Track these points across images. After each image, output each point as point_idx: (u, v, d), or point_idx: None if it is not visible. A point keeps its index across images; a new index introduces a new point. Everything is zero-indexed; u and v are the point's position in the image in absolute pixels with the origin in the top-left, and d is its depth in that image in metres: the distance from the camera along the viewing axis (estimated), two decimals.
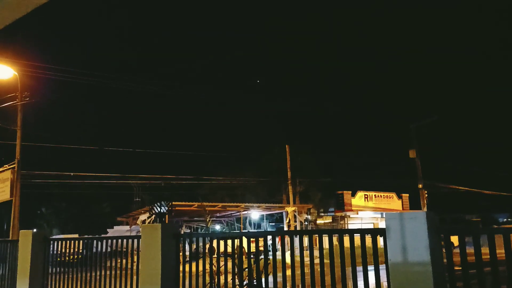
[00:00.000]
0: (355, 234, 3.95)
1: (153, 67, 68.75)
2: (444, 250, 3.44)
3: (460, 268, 3.28)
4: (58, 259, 7.29)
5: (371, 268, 3.69)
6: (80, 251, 6.87)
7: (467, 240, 3.36)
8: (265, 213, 34.70)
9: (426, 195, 29.10)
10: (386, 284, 3.55)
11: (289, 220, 29.40)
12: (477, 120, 68.35)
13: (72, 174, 24.35)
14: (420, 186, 29.06)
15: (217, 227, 40.80)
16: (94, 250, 6.67)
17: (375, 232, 3.76)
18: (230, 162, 40.70)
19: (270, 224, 42.74)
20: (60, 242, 7.30)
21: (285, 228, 30.81)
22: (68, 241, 7.11)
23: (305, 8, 72.30)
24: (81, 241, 7.05)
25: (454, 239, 3.49)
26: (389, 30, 72.15)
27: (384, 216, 3.98)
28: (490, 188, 37.98)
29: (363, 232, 3.86)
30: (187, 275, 5.09)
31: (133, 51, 75.07)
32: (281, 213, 32.48)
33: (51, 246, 7.38)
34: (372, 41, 72.26)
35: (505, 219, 50.74)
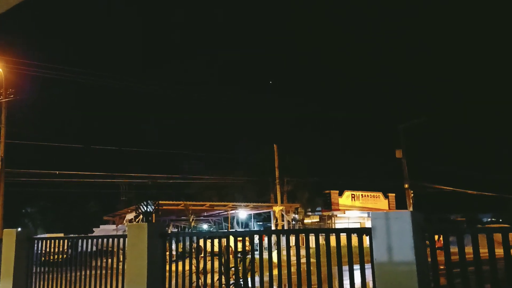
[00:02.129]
0: (341, 234, 3.97)
1: (144, 66, 68.30)
2: (428, 250, 3.47)
3: (444, 267, 3.32)
4: (43, 258, 7.20)
5: (357, 267, 3.71)
6: (65, 250, 6.79)
7: (451, 239, 3.40)
8: (252, 212, 34.70)
9: (412, 195, 29.38)
10: (372, 283, 3.58)
11: (277, 219, 29.44)
12: (462, 121, 69.23)
13: (57, 172, 24.05)
14: (406, 186, 29.33)
15: (205, 226, 40.68)
16: (80, 249, 6.60)
17: (361, 231, 3.79)
18: (219, 161, 40.65)
19: (258, 223, 42.74)
20: (44, 241, 7.21)
21: (273, 228, 30.85)
22: (52, 241, 7.03)
23: (297, 8, 72.48)
24: (66, 241, 6.97)
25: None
26: (381, 30, 72.69)
27: (370, 215, 4.02)
28: (475, 188, 38.49)
29: (349, 231, 3.88)
30: (173, 274, 5.06)
31: (124, 48, 74.46)
32: (269, 212, 32.51)
33: (36, 245, 7.29)
34: (364, 40, 72.74)
35: (489, 219, 51.47)
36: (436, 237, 3.49)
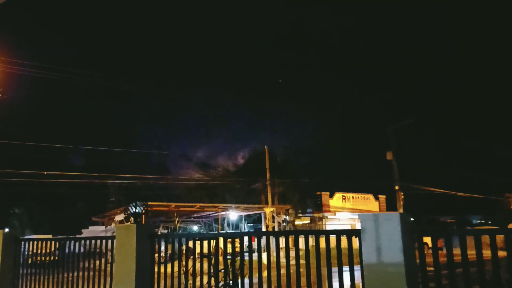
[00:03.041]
0: (331, 235, 3.96)
1: (133, 65, 67.96)
2: (417, 251, 3.48)
3: (433, 268, 3.33)
4: (30, 260, 7.11)
5: (346, 269, 3.71)
6: (53, 252, 6.71)
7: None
8: (243, 213, 34.67)
9: (403, 197, 29.55)
10: (361, 285, 3.58)
11: (268, 220, 29.45)
12: (452, 123, 69.86)
13: (45, 173, 23.81)
14: (397, 187, 29.50)
15: (195, 227, 40.56)
16: (67, 251, 6.52)
17: (350, 233, 3.79)
18: (210, 162, 40.55)
19: (249, 224, 42.71)
20: (32, 242, 7.12)
21: (263, 229, 30.84)
22: (40, 242, 6.95)
23: (280, 8, 72.69)
24: (53, 242, 6.88)
25: (429, 240, 3.54)
26: (372, 29, 73.14)
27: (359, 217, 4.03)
28: (465, 190, 38.84)
29: (338, 233, 3.88)
30: (162, 276, 5.02)
31: (116, 47, 74.03)
32: (260, 213, 32.50)
33: (23, 246, 7.19)
34: (352, 39, 73.14)
35: (479, 221, 51.99)
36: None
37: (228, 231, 32.77)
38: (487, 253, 3.09)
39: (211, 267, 4.63)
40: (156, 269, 5.13)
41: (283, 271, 4.11)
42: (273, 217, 29.72)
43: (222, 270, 4.63)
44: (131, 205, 24.16)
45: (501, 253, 3.09)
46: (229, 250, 4.46)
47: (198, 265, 4.69)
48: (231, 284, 4.49)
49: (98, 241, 6.00)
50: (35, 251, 6.96)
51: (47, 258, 6.66)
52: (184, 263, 4.75)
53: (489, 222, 48.22)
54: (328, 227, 34.23)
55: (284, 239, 4.35)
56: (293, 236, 4.55)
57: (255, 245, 4.34)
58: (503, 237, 3.15)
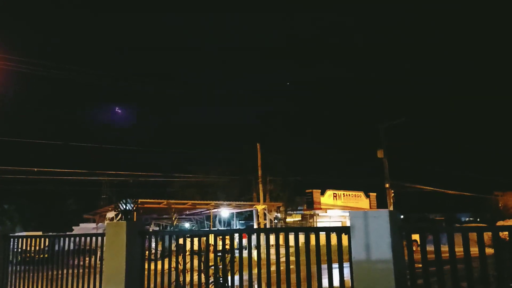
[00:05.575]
0: (320, 232, 3.98)
1: (128, 61, 67.54)
2: (405, 248, 3.51)
3: (421, 265, 3.36)
4: (19, 257, 7.06)
5: (336, 266, 3.73)
6: (43, 249, 6.67)
7: (430, 238, 3.45)
8: (235, 211, 34.67)
9: (393, 194, 29.73)
10: (350, 282, 3.60)
11: (259, 218, 29.48)
12: (443, 122, 70.33)
13: (36, 169, 23.59)
14: (387, 185, 29.66)
15: (187, 225, 40.49)
16: (57, 248, 6.48)
17: (340, 230, 3.81)
18: (202, 159, 40.52)
19: (240, 222, 42.74)
20: (21, 239, 7.07)
21: (255, 226, 30.88)
22: (30, 239, 6.90)
23: (276, 10, 72.58)
24: (43, 239, 6.84)
25: (418, 238, 3.57)
26: (362, 28, 73.32)
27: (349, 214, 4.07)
28: (454, 188, 39.15)
29: (328, 230, 3.90)
30: (152, 273, 5.01)
31: (112, 44, 73.48)
32: (251, 211, 32.51)
33: (12, 243, 7.14)
34: (346, 38, 73.29)
35: (467, 218, 52.50)
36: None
37: (220, 228, 32.79)
38: (474, 250, 3.13)
39: (201, 264, 4.63)
40: (146, 266, 5.11)
41: (273, 268, 4.13)
42: (264, 214, 29.75)
43: (213, 267, 4.64)
44: (121, 202, 24.02)
45: (489, 250, 3.13)
46: (220, 247, 4.46)
47: (189, 262, 4.69)
48: (221, 280, 4.50)
49: (88, 238, 5.97)
50: (24, 248, 6.91)
51: (37, 255, 6.61)
52: (174, 260, 4.74)
53: (478, 220, 48.70)
54: (319, 224, 34.34)
55: (274, 236, 4.36)
56: (284, 233, 4.56)
57: (246, 242, 4.35)
58: (490, 235, 3.19)
